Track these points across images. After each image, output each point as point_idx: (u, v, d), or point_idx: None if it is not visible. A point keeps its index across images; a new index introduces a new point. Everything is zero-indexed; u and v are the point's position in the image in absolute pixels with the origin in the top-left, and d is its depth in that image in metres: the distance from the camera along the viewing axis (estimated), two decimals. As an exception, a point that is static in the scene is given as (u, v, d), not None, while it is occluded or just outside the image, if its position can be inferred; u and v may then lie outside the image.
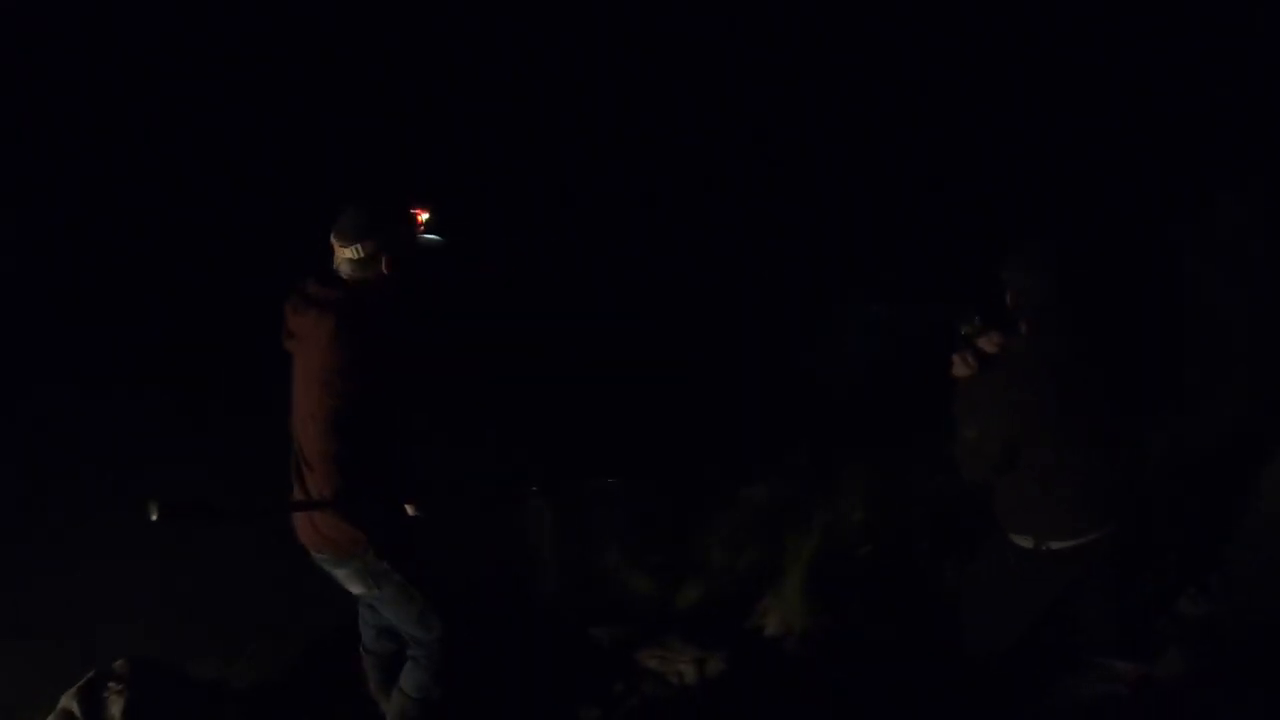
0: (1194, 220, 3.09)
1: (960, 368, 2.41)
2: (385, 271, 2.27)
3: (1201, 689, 2.63)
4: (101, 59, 7.18)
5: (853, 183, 6.59)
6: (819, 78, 7.09)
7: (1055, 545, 2.47)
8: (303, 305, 2.29)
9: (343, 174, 6.89)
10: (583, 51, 7.45)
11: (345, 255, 2.26)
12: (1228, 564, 3.05)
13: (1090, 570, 2.62)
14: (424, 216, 2.42)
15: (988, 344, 2.39)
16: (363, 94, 7.41)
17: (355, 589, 2.49)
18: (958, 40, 6.74)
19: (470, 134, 7.34)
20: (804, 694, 3.02)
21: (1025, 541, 2.51)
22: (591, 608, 3.57)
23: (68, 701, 2.79)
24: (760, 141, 7.19)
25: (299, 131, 7.24)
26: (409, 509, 2.56)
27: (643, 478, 3.92)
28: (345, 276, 2.28)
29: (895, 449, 3.96)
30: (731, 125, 7.29)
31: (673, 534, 3.98)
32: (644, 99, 7.31)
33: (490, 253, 6.46)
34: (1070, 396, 2.32)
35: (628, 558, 3.86)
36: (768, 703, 3.02)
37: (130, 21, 7.17)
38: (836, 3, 7.24)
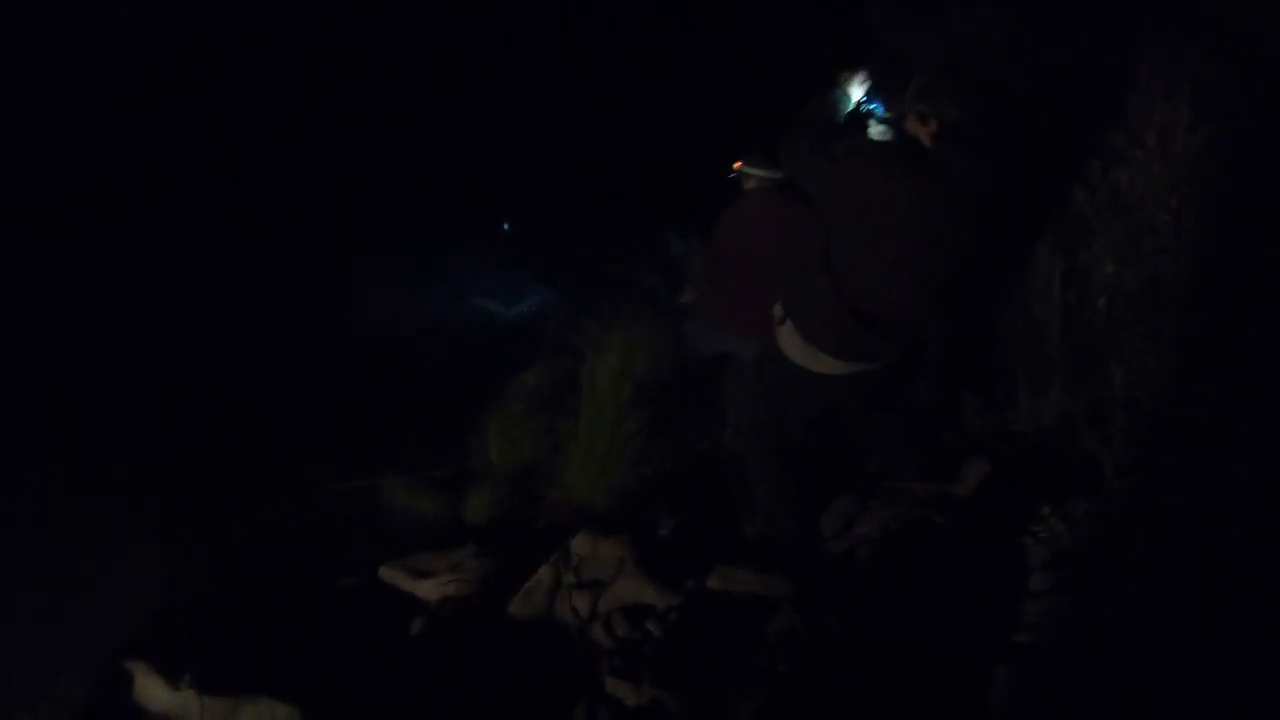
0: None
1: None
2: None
3: (998, 500, 2.61)
4: (101, 57, 7.18)
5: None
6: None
7: (816, 368, 2.47)
8: None
9: (342, 172, 6.91)
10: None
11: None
12: (1006, 373, 3.02)
13: (861, 399, 2.65)
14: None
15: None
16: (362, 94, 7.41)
17: None
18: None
19: (469, 133, 7.33)
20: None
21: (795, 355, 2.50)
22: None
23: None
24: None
25: (298, 131, 7.23)
26: None
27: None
28: None
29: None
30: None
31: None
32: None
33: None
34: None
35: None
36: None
37: (130, 19, 7.17)
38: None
